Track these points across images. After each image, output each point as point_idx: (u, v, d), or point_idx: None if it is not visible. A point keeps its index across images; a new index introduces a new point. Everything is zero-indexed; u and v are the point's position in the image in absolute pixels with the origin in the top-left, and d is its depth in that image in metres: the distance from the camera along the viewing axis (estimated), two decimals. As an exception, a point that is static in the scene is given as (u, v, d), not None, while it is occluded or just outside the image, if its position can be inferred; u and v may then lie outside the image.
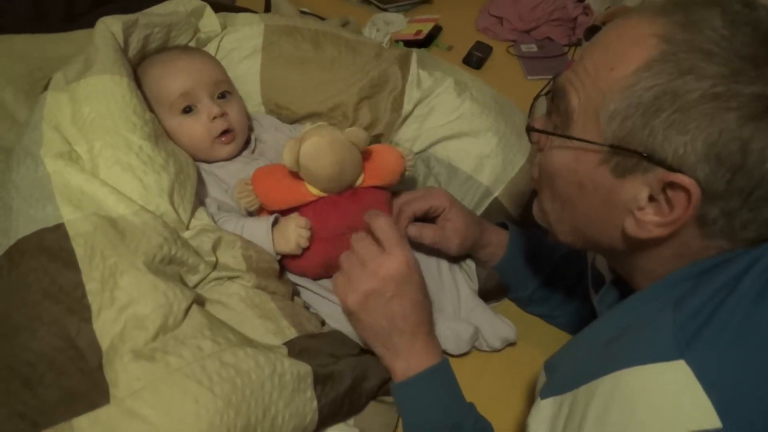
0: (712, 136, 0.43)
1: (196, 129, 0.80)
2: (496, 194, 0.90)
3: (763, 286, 0.43)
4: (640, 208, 0.48)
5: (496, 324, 0.81)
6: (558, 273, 0.83)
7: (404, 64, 0.93)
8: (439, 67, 0.97)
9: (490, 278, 0.84)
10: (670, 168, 0.44)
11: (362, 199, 0.76)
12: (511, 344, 0.82)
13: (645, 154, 0.45)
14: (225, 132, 0.81)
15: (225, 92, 0.83)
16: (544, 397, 0.50)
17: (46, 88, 0.75)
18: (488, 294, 0.86)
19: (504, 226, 0.85)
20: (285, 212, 0.76)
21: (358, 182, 0.76)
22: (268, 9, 1.27)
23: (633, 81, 0.45)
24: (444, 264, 0.83)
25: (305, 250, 0.74)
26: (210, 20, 0.93)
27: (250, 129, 0.89)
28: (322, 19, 1.22)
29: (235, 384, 0.56)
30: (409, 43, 1.33)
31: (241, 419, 0.56)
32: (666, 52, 0.44)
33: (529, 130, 0.56)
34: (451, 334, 0.76)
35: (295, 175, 0.74)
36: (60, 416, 0.53)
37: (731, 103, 0.42)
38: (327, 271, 0.77)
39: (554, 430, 0.47)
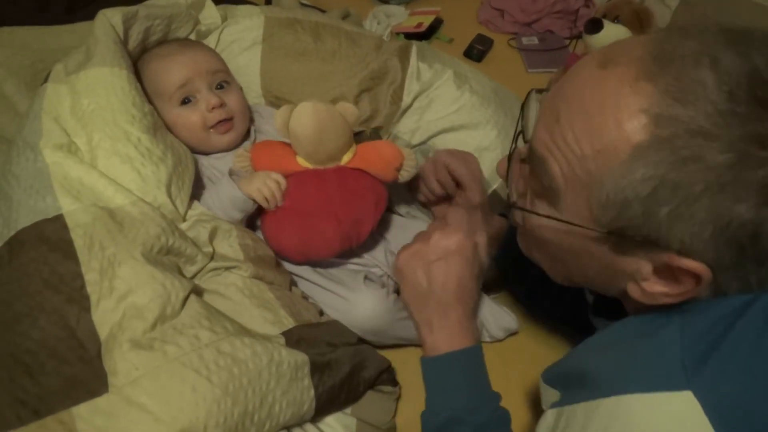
0: (721, 226, 0.39)
1: (194, 119, 0.80)
2: (494, 186, 0.90)
3: None
4: (645, 279, 0.45)
5: (499, 314, 0.81)
6: None
7: (404, 57, 0.93)
8: (439, 59, 0.97)
9: (489, 268, 0.84)
10: (677, 253, 0.41)
11: (346, 178, 0.76)
12: (513, 334, 0.82)
13: (648, 241, 0.42)
14: (223, 120, 0.82)
15: (223, 82, 0.83)
16: (549, 407, 0.49)
17: (46, 79, 0.75)
18: (488, 285, 0.86)
19: (503, 216, 0.85)
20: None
21: (345, 159, 0.76)
22: (268, 1, 1.27)
23: (626, 171, 0.41)
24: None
25: (279, 220, 0.74)
26: (210, 12, 0.93)
27: (251, 120, 0.90)
28: (323, 11, 1.22)
29: (232, 373, 0.57)
30: (410, 36, 1.33)
31: (238, 407, 0.56)
32: (659, 136, 0.39)
33: (513, 207, 0.52)
34: None
35: (289, 147, 0.75)
36: (60, 404, 0.54)
37: (740, 193, 0.38)
38: (305, 256, 0.76)
39: None
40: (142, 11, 0.81)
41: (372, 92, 0.92)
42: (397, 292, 0.81)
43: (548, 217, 0.47)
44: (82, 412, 0.54)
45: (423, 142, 0.93)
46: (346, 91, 0.91)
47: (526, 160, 0.50)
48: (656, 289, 0.44)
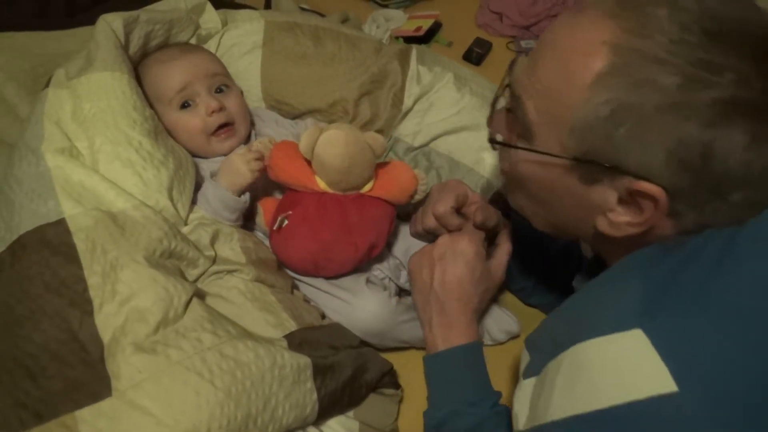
0: (672, 146, 0.43)
1: (195, 124, 0.80)
2: (497, 187, 0.90)
3: (724, 254, 0.44)
4: (612, 209, 0.49)
5: (500, 317, 0.81)
6: (559, 264, 0.83)
7: (404, 60, 0.94)
8: (439, 62, 0.98)
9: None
10: (635, 176, 0.45)
11: (366, 205, 0.77)
12: (514, 337, 0.82)
13: (609, 166, 0.46)
14: (223, 126, 0.82)
15: (222, 86, 0.83)
16: (526, 377, 0.51)
17: (47, 84, 0.75)
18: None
19: (506, 216, 0.85)
20: (289, 196, 0.77)
21: (366, 188, 0.77)
22: (268, 6, 1.27)
23: (588, 95, 0.45)
24: None
25: (294, 240, 0.74)
26: (210, 16, 0.93)
27: (251, 124, 0.90)
28: (322, 15, 1.22)
29: (235, 376, 0.57)
30: (409, 40, 1.33)
31: (241, 410, 0.56)
32: (617, 63, 0.44)
33: (493, 142, 0.57)
34: None
35: (310, 163, 0.75)
36: (63, 408, 0.54)
37: (688, 112, 0.42)
38: (314, 274, 0.76)
39: (532, 408, 0.49)
40: (143, 16, 0.81)
41: (372, 95, 0.92)
42: (399, 294, 0.82)
43: (525, 149, 0.51)
44: (85, 415, 0.54)
45: (424, 145, 0.93)
46: (347, 95, 0.91)
47: (509, 107, 0.55)
48: (621, 219, 0.48)
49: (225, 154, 0.84)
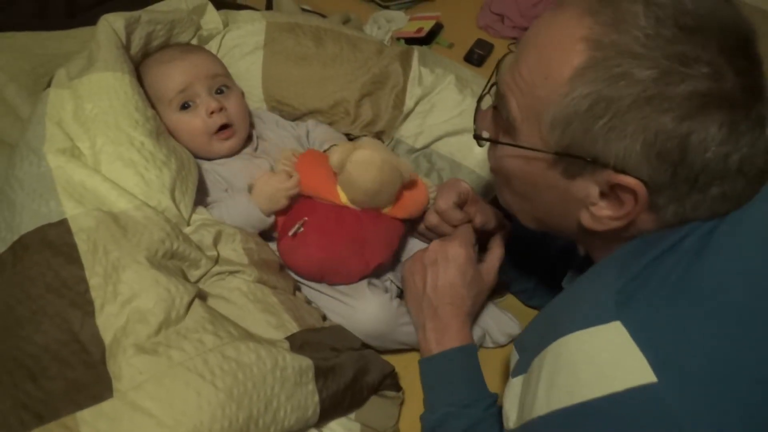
0: (650, 138, 0.44)
1: (195, 124, 0.80)
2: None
3: (702, 246, 0.45)
4: (594, 203, 0.50)
5: (501, 320, 0.81)
6: (559, 265, 0.83)
7: (406, 61, 0.94)
8: (440, 64, 0.98)
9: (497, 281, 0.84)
10: (615, 169, 0.46)
11: (383, 225, 0.77)
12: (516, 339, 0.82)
13: (589, 159, 0.47)
14: (224, 127, 0.82)
15: (223, 86, 0.83)
16: (514, 376, 0.52)
17: (49, 84, 0.75)
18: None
19: (507, 218, 0.85)
20: (304, 202, 0.77)
21: (386, 209, 0.77)
22: (269, 6, 1.27)
23: (567, 90, 0.46)
24: None
25: (307, 248, 0.74)
26: (212, 17, 0.93)
27: (252, 126, 0.89)
28: (324, 16, 1.22)
29: (236, 377, 0.57)
30: (411, 41, 1.33)
31: (242, 412, 0.56)
32: (595, 58, 0.45)
33: (478, 139, 0.58)
34: None
35: (332, 173, 0.75)
36: (64, 409, 0.54)
37: (664, 105, 0.43)
38: (319, 278, 0.77)
39: (521, 405, 0.49)
40: (144, 16, 0.81)
41: (373, 96, 0.92)
42: (400, 296, 0.81)
43: (509, 144, 0.53)
44: (86, 416, 0.53)
45: (426, 146, 0.93)
46: (348, 96, 0.91)
47: (495, 105, 0.56)
48: (603, 213, 0.49)
49: (226, 155, 0.84)
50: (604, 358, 0.42)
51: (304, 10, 1.31)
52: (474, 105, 0.93)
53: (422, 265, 0.75)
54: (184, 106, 0.80)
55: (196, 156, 0.81)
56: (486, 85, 0.60)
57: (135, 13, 0.81)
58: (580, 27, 0.46)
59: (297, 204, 0.78)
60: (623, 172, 0.46)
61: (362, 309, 0.74)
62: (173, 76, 0.80)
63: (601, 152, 0.46)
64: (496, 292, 0.87)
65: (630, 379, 0.41)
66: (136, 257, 0.60)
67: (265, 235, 0.79)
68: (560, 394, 0.44)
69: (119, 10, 0.80)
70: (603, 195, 0.49)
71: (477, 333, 0.79)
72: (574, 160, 0.48)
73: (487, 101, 0.60)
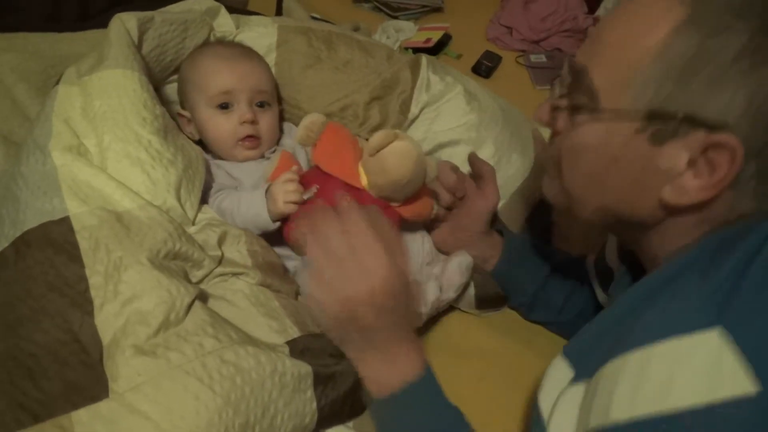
0: (752, 91, 0.43)
1: (225, 127, 0.81)
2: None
3: None
4: (680, 174, 0.47)
5: (450, 261, 0.79)
6: (557, 278, 0.83)
7: (415, 68, 0.94)
8: (450, 73, 0.98)
9: (488, 285, 0.84)
10: (712, 127, 0.44)
11: (389, 217, 0.75)
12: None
13: (684, 117, 0.45)
14: (251, 137, 0.83)
15: (264, 102, 0.84)
16: (570, 384, 0.50)
17: (57, 82, 0.75)
18: (486, 302, 0.85)
19: (498, 233, 0.85)
20: (321, 178, 0.76)
21: (396, 203, 0.76)
22: (279, 13, 1.28)
23: (664, 46, 0.45)
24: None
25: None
26: (225, 20, 0.94)
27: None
28: (333, 24, 1.23)
29: (234, 382, 0.56)
30: (419, 51, 1.34)
31: (239, 417, 0.55)
32: (694, 14, 0.45)
33: (555, 108, 0.55)
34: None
35: (355, 154, 0.74)
36: (60, 408, 0.53)
37: (766, 56, 0.43)
38: None
39: (584, 412, 0.47)
40: (157, 17, 0.82)
41: (382, 101, 0.93)
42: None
43: (592, 110, 0.50)
44: (82, 417, 0.53)
45: (429, 153, 0.93)
46: (358, 99, 0.91)
47: (561, 95, 0.55)
48: (691, 183, 0.47)
49: (242, 161, 0.84)
50: (704, 367, 0.40)
51: (313, 18, 1.32)
52: (480, 116, 0.94)
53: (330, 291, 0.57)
54: (222, 107, 0.81)
55: (215, 154, 0.82)
56: (552, 84, 0.58)
57: (148, 13, 0.81)
58: None
59: (311, 171, 0.78)
60: (721, 128, 0.44)
61: None
62: (223, 75, 0.81)
63: (699, 108, 0.45)
64: (492, 305, 0.86)
65: (730, 389, 0.39)
66: (138, 257, 0.60)
67: (270, 239, 0.79)
68: (647, 400, 0.41)
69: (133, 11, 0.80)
70: (690, 164, 0.47)
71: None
72: (665, 122, 0.46)
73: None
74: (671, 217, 0.50)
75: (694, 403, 0.39)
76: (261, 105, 0.84)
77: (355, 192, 0.74)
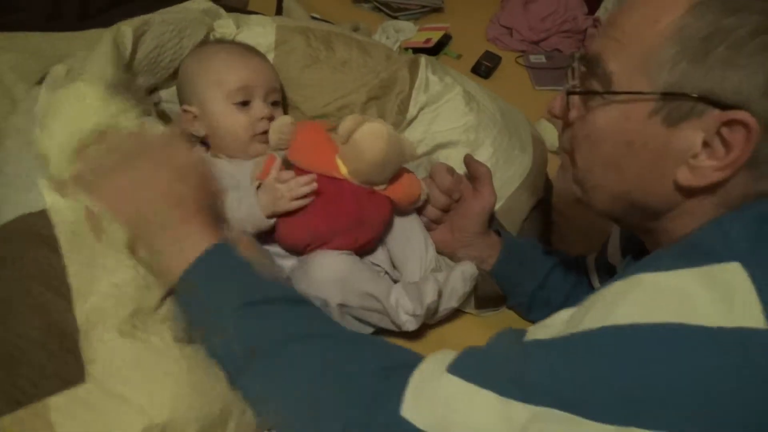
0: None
1: (243, 122, 0.81)
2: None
3: None
4: (695, 155, 0.47)
5: (454, 269, 0.79)
6: (556, 278, 0.83)
7: (413, 69, 0.94)
8: (450, 74, 0.98)
9: (487, 284, 0.83)
10: (728, 106, 0.44)
11: (377, 203, 0.76)
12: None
13: (701, 96, 0.45)
14: (265, 132, 0.83)
15: (275, 101, 0.85)
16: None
17: (42, 80, 0.75)
18: (486, 301, 0.85)
19: (496, 233, 0.85)
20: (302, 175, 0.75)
21: (381, 186, 0.76)
22: (279, 13, 1.29)
23: (679, 26, 0.45)
24: (416, 223, 0.83)
25: (305, 216, 0.73)
26: (225, 20, 0.94)
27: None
28: (333, 24, 1.23)
29: (213, 364, 0.56)
30: (418, 51, 1.34)
31: (219, 403, 0.55)
32: None
33: (570, 93, 0.55)
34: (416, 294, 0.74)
35: (331, 146, 0.74)
36: (36, 395, 0.52)
37: None
38: (302, 249, 0.76)
39: (572, 321, 0.46)
40: (157, 18, 0.82)
41: (380, 101, 0.93)
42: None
43: (607, 92, 0.50)
44: (59, 402, 0.52)
45: (427, 153, 0.93)
46: (356, 98, 0.91)
47: (573, 85, 0.55)
48: (707, 163, 0.47)
49: (252, 157, 0.84)
50: (720, 294, 0.40)
51: (313, 17, 1.32)
52: (479, 117, 0.94)
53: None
54: (240, 103, 0.81)
55: (225, 149, 0.82)
56: (566, 75, 0.58)
57: (146, 17, 0.81)
58: None
59: (293, 170, 0.77)
60: (737, 107, 0.44)
61: (317, 262, 0.73)
62: (242, 70, 0.81)
63: (714, 87, 0.45)
64: (491, 304, 0.86)
65: (740, 319, 0.39)
66: (115, 245, 0.59)
67: (264, 238, 0.79)
68: (661, 310, 0.41)
69: (132, 12, 0.80)
70: (705, 144, 0.47)
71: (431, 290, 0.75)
72: (680, 102, 0.46)
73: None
74: (687, 200, 0.50)
75: (700, 323, 0.39)
76: (273, 103, 0.84)
77: (338, 183, 0.74)
